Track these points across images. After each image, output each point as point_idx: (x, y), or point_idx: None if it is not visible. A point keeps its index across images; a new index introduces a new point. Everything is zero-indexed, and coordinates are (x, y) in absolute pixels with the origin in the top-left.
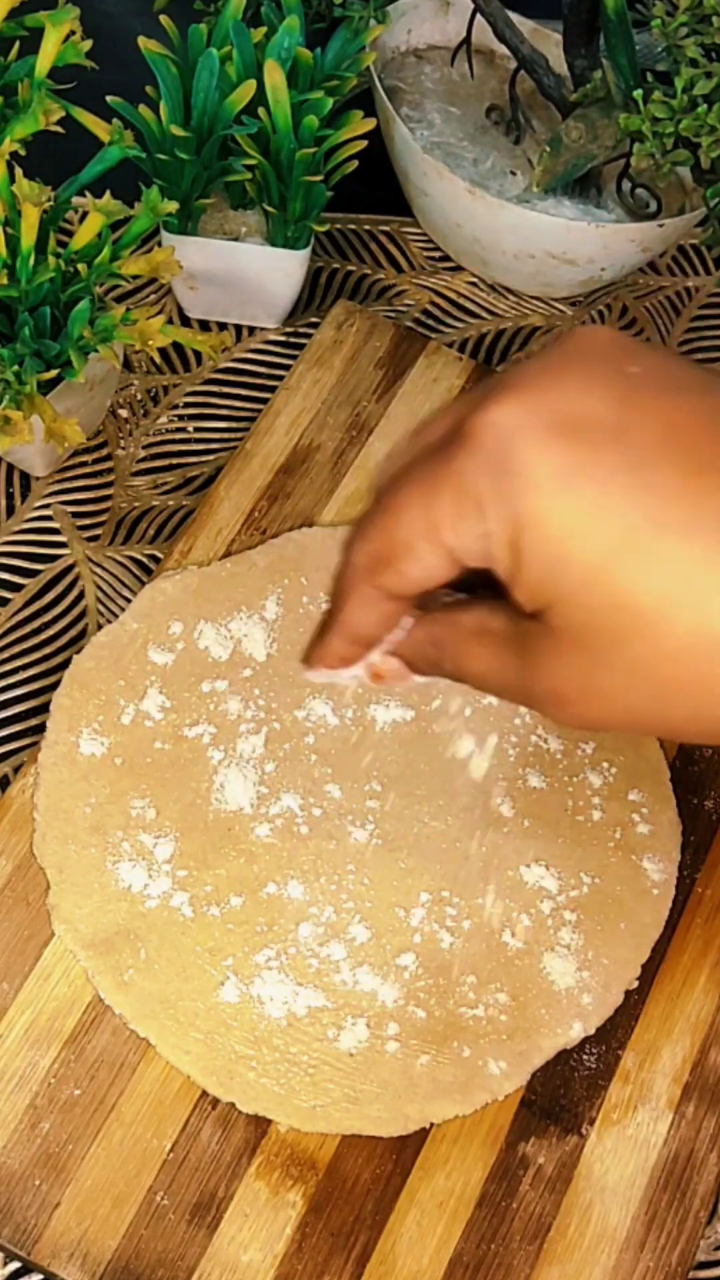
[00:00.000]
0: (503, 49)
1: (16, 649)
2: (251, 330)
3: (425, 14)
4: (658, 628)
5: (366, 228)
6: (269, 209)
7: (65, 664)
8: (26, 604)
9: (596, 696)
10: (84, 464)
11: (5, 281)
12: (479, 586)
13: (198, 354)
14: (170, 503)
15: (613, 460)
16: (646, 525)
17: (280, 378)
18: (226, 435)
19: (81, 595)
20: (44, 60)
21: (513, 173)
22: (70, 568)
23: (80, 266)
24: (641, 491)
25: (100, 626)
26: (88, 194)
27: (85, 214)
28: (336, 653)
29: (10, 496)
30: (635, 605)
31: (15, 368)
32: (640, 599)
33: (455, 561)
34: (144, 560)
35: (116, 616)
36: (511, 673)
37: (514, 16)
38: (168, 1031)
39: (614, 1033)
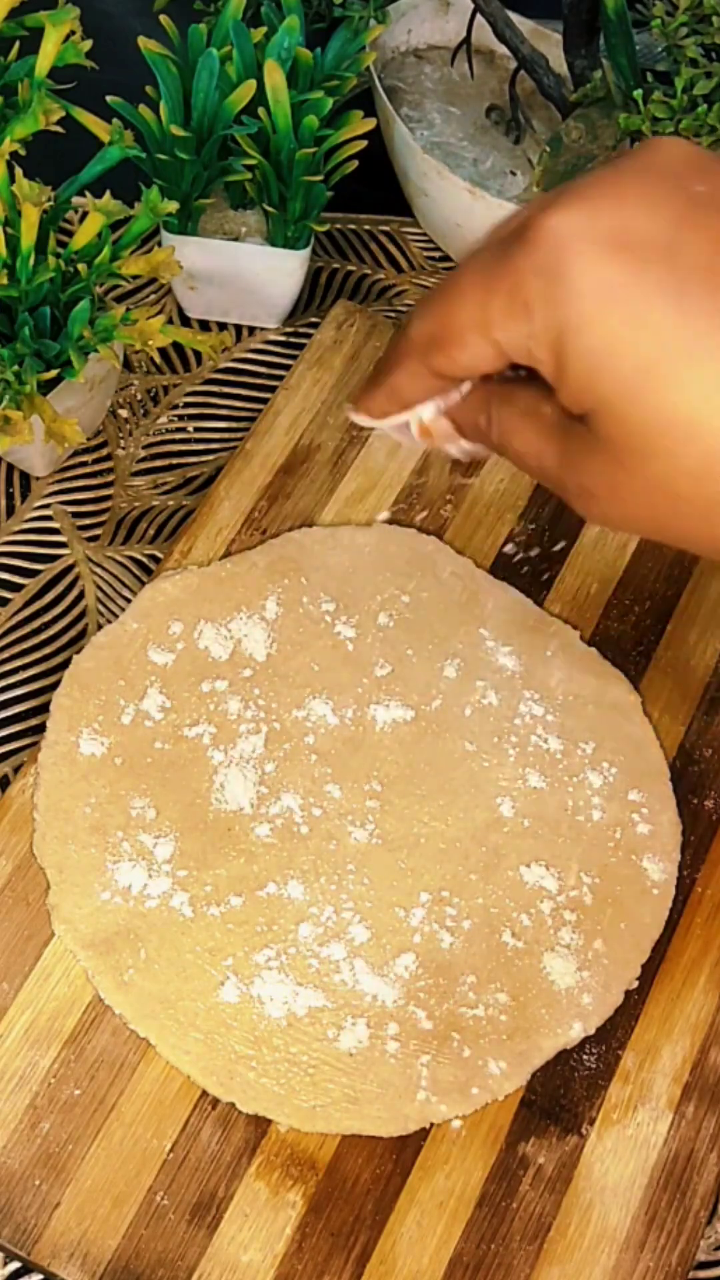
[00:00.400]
0: (503, 49)
1: (16, 649)
2: (251, 330)
3: (425, 14)
4: (682, 446)
5: (366, 228)
6: (269, 209)
7: (65, 664)
8: (26, 604)
9: (622, 500)
10: (84, 464)
11: (5, 281)
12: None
13: (198, 354)
14: (170, 503)
15: (659, 278)
16: (681, 346)
17: (280, 378)
18: (226, 435)
19: (81, 595)
20: (44, 60)
21: (513, 173)
22: (70, 568)
23: (80, 266)
24: (681, 312)
25: (100, 626)
26: (88, 194)
27: (85, 214)
28: (379, 406)
29: (10, 496)
30: (663, 422)
31: (15, 368)
32: (668, 417)
33: (503, 355)
34: (144, 560)
35: (117, 616)
36: (550, 459)
37: (514, 16)
38: (168, 1031)
39: (614, 1033)
